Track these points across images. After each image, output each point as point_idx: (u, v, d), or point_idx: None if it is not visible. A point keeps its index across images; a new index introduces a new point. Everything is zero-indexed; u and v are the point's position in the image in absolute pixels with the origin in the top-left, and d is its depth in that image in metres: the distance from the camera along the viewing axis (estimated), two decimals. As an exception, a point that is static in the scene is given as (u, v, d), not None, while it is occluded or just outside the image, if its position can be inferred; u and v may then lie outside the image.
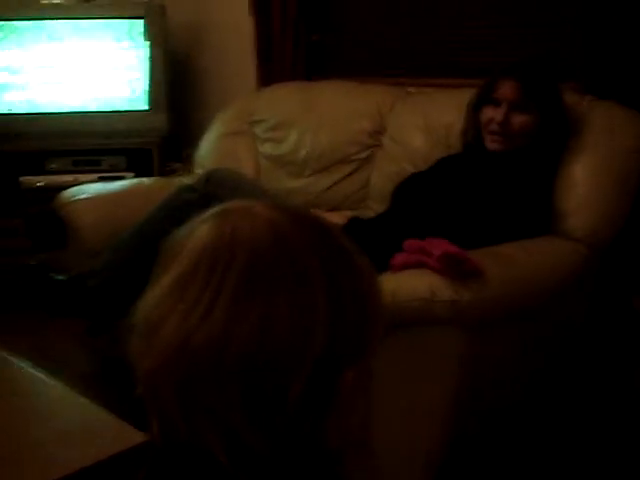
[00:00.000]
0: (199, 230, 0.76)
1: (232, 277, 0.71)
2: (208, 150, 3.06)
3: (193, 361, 0.71)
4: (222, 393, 0.71)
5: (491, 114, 2.24)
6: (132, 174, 3.25)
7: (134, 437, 1.29)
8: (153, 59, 3.28)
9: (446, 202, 2.19)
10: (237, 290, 0.71)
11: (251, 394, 0.71)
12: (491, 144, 2.25)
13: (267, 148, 2.96)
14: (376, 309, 0.79)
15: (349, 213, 2.54)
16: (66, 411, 1.42)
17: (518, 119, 2.21)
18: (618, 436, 2.21)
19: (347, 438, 0.78)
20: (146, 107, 3.31)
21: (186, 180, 2.70)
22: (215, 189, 2.21)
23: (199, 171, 2.88)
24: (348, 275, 0.77)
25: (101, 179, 3.13)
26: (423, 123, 2.63)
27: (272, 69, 3.21)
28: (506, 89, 2.22)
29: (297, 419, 0.72)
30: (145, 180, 2.90)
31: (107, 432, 1.33)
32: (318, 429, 0.74)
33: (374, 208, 2.60)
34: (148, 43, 3.27)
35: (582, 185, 2.22)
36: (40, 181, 3.26)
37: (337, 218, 2.33)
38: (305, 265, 0.74)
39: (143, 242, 2.26)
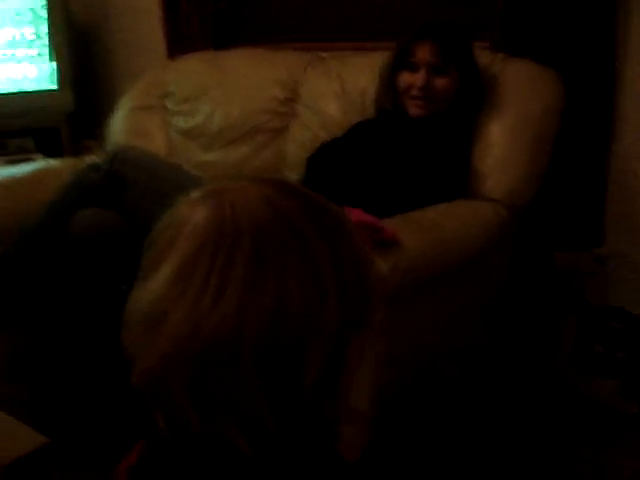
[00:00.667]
0: (194, 213, 0.73)
1: (240, 259, 0.69)
2: (118, 126, 2.95)
3: (205, 350, 0.69)
4: (238, 379, 0.69)
5: (410, 79, 2.18)
6: (41, 155, 3.13)
7: (34, 440, 1.22)
8: (55, 34, 3.14)
9: (363, 169, 2.14)
10: (247, 272, 0.69)
11: (268, 376, 0.69)
12: (414, 109, 2.19)
13: (179, 121, 2.86)
14: (371, 274, 0.79)
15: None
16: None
17: (439, 82, 2.16)
18: (546, 396, 2.21)
19: (349, 408, 0.78)
20: (52, 85, 3.17)
21: (95, 158, 2.60)
22: (121, 167, 2.12)
23: (110, 148, 2.78)
24: (346, 242, 0.76)
25: (9, 162, 3.01)
26: (337, 88, 2.56)
27: (181, 39, 3.11)
28: (424, 52, 2.16)
29: (314, 394, 0.72)
30: (52, 161, 2.77)
31: (6, 437, 1.26)
32: (329, 401, 0.74)
33: (291, 178, 2.53)
34: (50, 19, 3.12)
35: (498, 145, 2.20)
36: (-54, 170, 3.11)
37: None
38: (307, 238, 0.72)
39: (50, 226, 2.17)
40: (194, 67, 2.92)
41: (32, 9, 3.12)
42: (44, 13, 3.12)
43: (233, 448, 0.70)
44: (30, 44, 3.15)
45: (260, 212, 0.72)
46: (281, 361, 0.69)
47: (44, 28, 3.13)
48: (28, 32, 3.14)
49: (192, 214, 0.73)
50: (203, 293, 0.69)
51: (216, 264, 0.69)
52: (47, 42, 3.14)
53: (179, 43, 3.12)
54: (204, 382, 0.69)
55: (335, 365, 0.73)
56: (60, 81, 3.18)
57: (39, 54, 3.16)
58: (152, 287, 0.72)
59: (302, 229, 0.72)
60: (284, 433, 0.71)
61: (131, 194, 2.10)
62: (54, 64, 3.16)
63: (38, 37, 3.14)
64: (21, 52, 3.15)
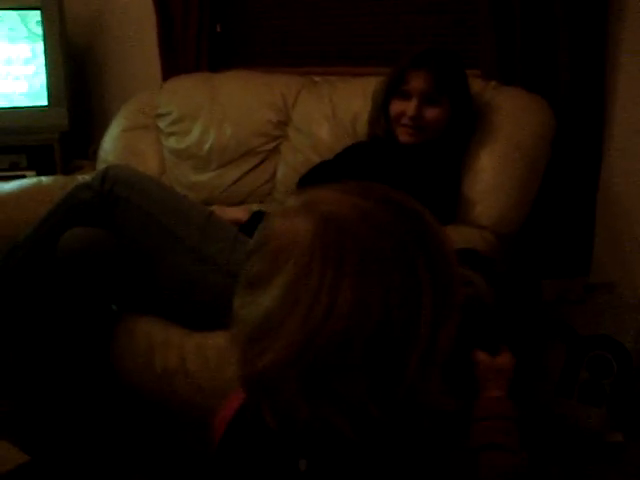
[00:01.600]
0: (295, 227, 0.77)
1: (346, 272, 0.74)
2: (111, 145, 2.96)
3: (317, 355, 0.75)
4: (346, 377, 0.75)
5: (402, 107, 2.18)
6: (33, 172, 3.13)
7: (15, 458, 1.21)
8: (51, 52, 3.15)
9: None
10: (354, 284, 0.74)
11: (373, 373, 0.76)
12: (403, 137, 2.19)
13: (171, 142, 2.87)
14: (455, 264, 0.83)
15: (254, 207, 2.47)
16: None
17: (430, 112, 2.16)
18: (532, 424, 2.21)
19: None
20: (44, 102, 3.18)
21: (86, 177, 2.60)
22: (112, 187, 2.11)
23: (101, 167, 2.78)
24: (434, 240, 0.81)
25: (1, 179, 3.00)
26: (328, 112, 2.58)
27: (176, 60, 3.13)
28: (418, 81, 2.15)
29: (413, 385, 0.77)
30: (44, 179, 2.76)
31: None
32: (427, 389, 0.80)
33: (281, 200, 2.53)
34: (45, 35, 3.13)
35: (488, 172, 2.20)
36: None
37: (240, 212, 2.27)
38: (404, 246, 0.77)
39: (39, 244, 2.16)
40: (188, 88, 2.93)
41: (27, 25, 3.13)
42: (39, 30, 3.13)
43: (338, 433, 0.76)
44: (25, 61, 3.15)
45: (359, 225, 0.77)
46: (384, 359, 0.76)
47: (40, 45, 3.14)
48: (23, 48, 3.14)
49: (293, 228, 0.78)
50: (314, 306, 0.74)
51: (325, 279, 0.74)
52: (42, 59, 3.15)
53: (174, 64, 3.13)
54: (314, 376, 0.76)
55: (430, 356, 0.78)
56: (53, 98, 3.18)
57: (34, 71, 3.16)
58: (265, 299, 0.77)
59: (398, 238, 0.78)
60: (388, 419, 0.77)
61: (122, 213, 2.09)
62: (49, 81, 3.17)
63: (33, 54, 3.15)
64: (15, 69, 3.16)
